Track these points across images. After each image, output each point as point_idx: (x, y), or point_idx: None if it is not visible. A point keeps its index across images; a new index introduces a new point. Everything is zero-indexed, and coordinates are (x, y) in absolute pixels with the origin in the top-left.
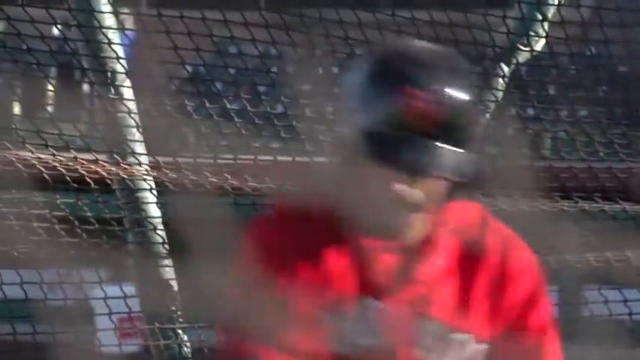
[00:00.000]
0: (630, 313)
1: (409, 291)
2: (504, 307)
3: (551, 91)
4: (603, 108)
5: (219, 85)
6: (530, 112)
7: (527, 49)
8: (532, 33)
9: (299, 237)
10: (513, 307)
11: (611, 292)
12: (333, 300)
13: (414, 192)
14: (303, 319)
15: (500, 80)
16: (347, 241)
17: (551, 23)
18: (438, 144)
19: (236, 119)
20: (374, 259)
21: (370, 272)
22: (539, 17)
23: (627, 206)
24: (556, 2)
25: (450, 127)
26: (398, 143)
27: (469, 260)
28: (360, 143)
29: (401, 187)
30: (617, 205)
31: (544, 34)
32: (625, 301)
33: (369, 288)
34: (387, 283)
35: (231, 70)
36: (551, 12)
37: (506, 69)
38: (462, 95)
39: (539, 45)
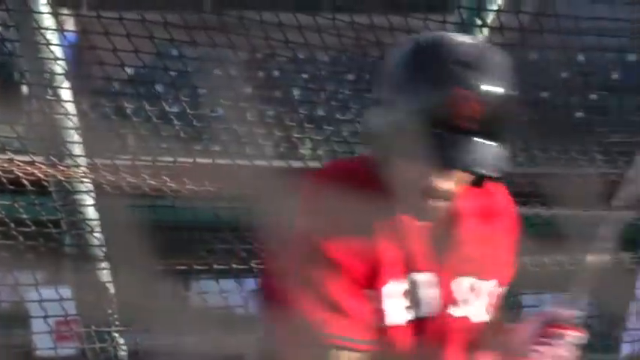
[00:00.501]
0: None
1: (445, 258)
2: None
3: None
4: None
5: (159, 87)
6: None
7: None
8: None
9: (347, 206)
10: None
11: (547, 296)
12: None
13: (448, 183)
14: (354, 289)
15: None
16: (387, 217)
17: (491, 29)
18: (479, 140)
19: (175, 122)
20: (412, 234)
21: (410, 245)
22: (479, 22)
23: (543, 211)
24: (495, 8)
25: (490, 124)
26: (441, 140)
27: (485, 220)
28: (400, 137)
29: (437, 180)
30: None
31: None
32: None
33: (411, 260)
34: (426, 254)
35: (172, 73)
36: (490, 17)
37: None
38: (503, 94)
39: None
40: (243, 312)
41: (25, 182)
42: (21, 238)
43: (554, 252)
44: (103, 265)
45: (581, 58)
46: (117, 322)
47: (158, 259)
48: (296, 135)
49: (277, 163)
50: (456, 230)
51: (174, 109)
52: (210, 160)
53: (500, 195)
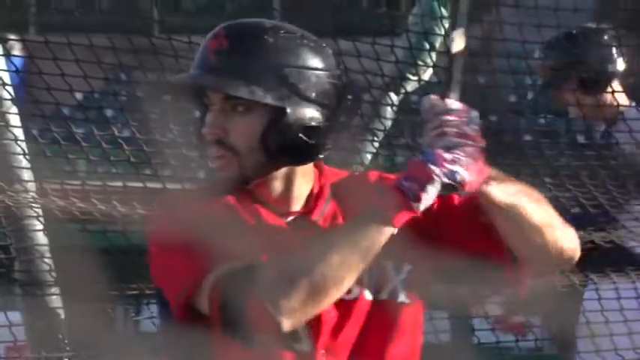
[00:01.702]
0: (517, 340)
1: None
2: None
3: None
4: (493, 137)
5: (109, 112)
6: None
7: (415, 78)
8: (420, 62)
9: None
10: None
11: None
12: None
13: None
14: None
15: (389, 109)
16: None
17: (439, 53)
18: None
19: (125, 147)
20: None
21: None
22: (427, 47)
23: None
24: (443, 32)
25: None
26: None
27: (343, 202)
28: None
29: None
30: None
31: (431, 64)
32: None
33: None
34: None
35: (122, 98)
36: (438, 42)
37: (395, 98)
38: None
39: (427, 74)
40: None
41: None
42: None
43: None
44: (53, 290)
45: (529, 80)
46: (67, 348)
47: (109, 284)
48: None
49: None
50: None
51: (125, 134)
52: (160, 185)
53: (367, 175)
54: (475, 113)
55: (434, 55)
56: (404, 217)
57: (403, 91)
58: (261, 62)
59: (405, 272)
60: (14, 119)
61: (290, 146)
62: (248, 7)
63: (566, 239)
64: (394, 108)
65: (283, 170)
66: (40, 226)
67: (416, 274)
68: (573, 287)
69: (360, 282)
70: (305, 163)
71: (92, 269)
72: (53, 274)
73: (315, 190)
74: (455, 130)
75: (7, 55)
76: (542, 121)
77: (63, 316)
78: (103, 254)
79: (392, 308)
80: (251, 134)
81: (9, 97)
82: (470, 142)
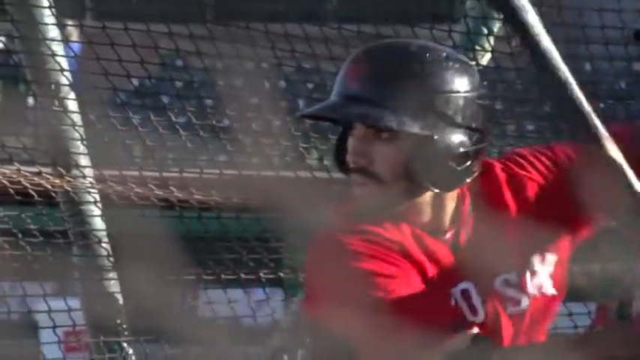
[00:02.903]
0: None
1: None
2: (542, 202)
3: (497, 106)
4: (549, 123)
5: (165, 98)
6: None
7: (473, 63)
8: (478, 47)
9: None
10: (541, 188)
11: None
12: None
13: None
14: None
15: None
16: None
17: (497, 37)
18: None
19: (182, 132)
20: (440, 251)
21: (444, 261)
22: (485, 31)
23: None
24: (502, 17)
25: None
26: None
27: (501, 203)
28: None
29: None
30: None
31: (490, 49)
32: (570, 314)
33: (450, 275)
34: (461, 267)
35: (178, 84)
36: (497, 27)
37: None
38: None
39: (485, 59)
40: (250, 322)
41: (33, 193)
42: (29, 249)
43: None
44: (111, 275)
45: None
46: (126, 333)
47: (166, 269)
48: (302, 145)
49: (284, 173)
50: (476, 230)
51: (181, 120)
52: (216, 171)
53: (494, 172)
54: None
55: (492, 39)
56: None
57: None
58: (407, 89)
59: (552, 263)
60: (72, 105)
61: (437, 174)
62: None
63: None
64: None
65: (431, 194)
66: (97, 212)
67: (560, 264)
68: None
69: (526, 291)
70: (452, 190)
71: (151, 254)
72: (111, 258)
73: (461, 208)
74: None
75: (65, 41)
76: None
77: (121, 301)
78: (161, 239)
79: (547, 302)
80: (396, 162)
81: (67, 82)
82: None
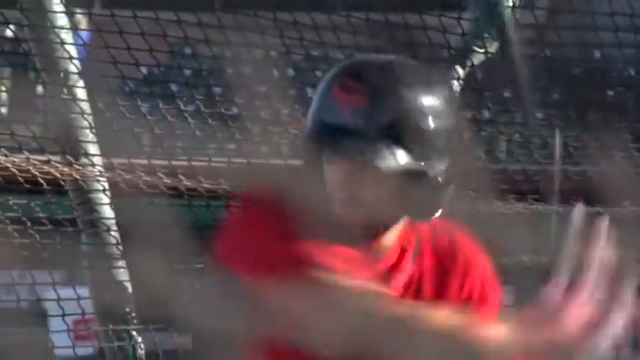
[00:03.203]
0: None
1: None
2: (463, 299)
3: (506, 94)
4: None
5: (173, 86)
6: (486, 114)
7: (482, 51)
8: (486, 35)
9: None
10: (469, 299)
11: None
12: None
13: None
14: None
15: (455, 82)
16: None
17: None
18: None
19: (191, 120)
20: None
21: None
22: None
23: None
24: (510, 4)
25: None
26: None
27: (441, 263)
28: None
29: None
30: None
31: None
32: None
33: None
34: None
35: (186, 72)
36: (505, 15)
37: (461, 71)
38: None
39: (494, 47)
40: None
41: (42, 182)
42: (38, 237)
43: None
44: (120, 263)
45: (597, 54)
46: (135, 321)
47: (175, 258)
48: None
49: (293, 162)
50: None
51: (190, 108)
52: (225, 159)
53: (473, 251)
54: None
55: (500, 28)
56: None
57: (469, 64)
58: (401, 123)
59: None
60: (81, 93)
61: (423, 203)
62: None
63: None
64: (460, 81)
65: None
66: (106, 200)
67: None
68: None
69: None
70: (430, 218)
71: (159, 242)
72: (120, 247)
73: (404, 242)
74: None
75: (74, 29)
76: None
77: (130, 289)
78: (170, 228)
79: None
80: (382, 191)
81: (76, 70)
82: None
